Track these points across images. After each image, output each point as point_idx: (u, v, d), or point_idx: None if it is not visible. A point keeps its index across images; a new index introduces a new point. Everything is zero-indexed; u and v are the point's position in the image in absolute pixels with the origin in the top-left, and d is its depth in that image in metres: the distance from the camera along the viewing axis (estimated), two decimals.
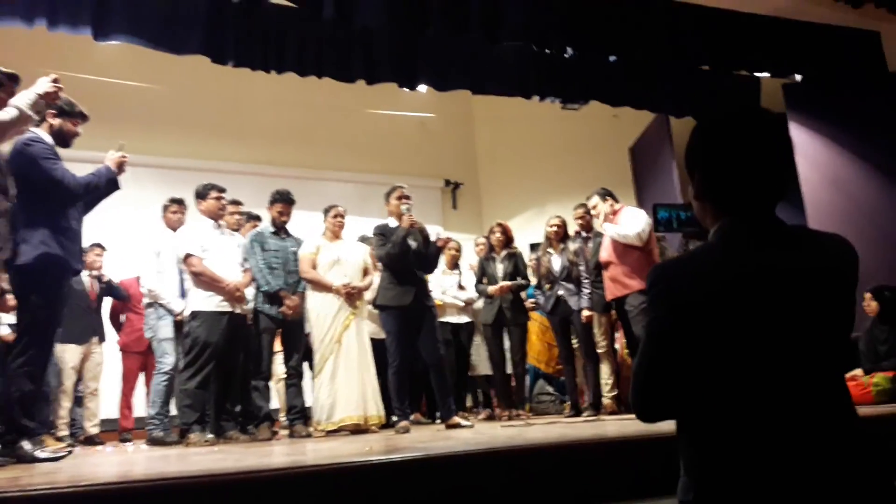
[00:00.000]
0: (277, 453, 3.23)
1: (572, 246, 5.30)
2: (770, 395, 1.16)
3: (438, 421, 5.32)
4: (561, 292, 5.24)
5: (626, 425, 3.27)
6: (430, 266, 4.74)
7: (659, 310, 1.24)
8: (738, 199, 1.27)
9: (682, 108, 6.84)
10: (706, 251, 1.29)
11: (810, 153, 6.85)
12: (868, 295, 5.06)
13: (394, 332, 4.44)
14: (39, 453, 3.05)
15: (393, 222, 4.62)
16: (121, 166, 3.62)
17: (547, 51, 6.02)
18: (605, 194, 5.06)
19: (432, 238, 4.72)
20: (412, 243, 4.53)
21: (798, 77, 6.62)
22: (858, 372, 4.68)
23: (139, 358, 5.91)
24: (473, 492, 2.10)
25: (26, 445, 3.04)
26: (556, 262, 5.32)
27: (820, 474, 1.11)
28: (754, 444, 1.14)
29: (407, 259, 4.48)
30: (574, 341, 5.38)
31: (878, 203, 6.57)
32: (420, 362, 4.78)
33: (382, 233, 4.59)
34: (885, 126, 6.59)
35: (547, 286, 5.37)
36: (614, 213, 4.95)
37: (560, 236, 5.38)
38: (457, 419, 4.34)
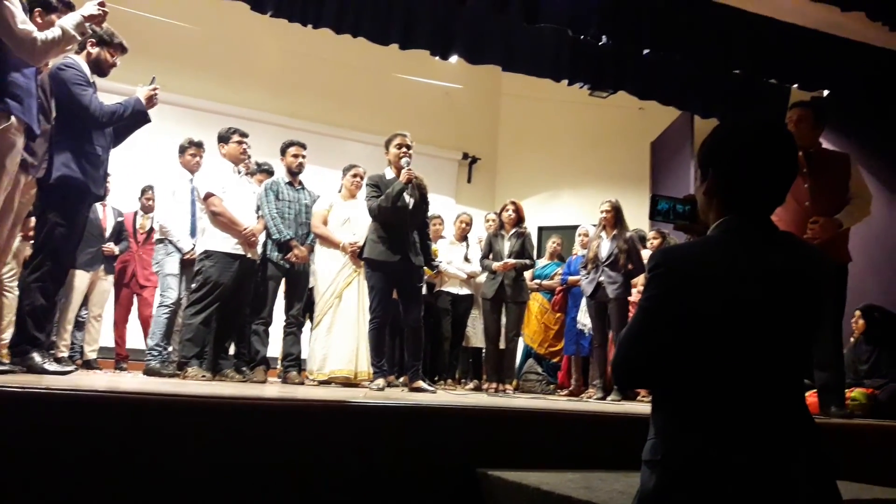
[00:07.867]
0: (268, 391, 3.33)
1: (626, 234, 5.22)
2: (739, 376, 1.29)
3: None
4: (602, 278, 5.19)
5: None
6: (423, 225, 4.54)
7: (656, 289, 1.35)
8: (744, 201, 1.39)
9: (709, 109, 6.87)
10: (706, 243, 1.40)
11: None
12: (858, 313, 4.98)
13: (377, 289, 4.27)
14: (48, 366, 3.16)
15: (390, 173, 4.40)
16: (151, 100, 3.67)
17: (582, 37, 6.03)
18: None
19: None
20: (408, 199, 4.28)
21: (826, 92, 6.61)
22: None
23: (127, 289, 6.17)
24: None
25: (36, 357, 3.12)
26: (605, 248, 5.24)
27: (770, 455, 1.25)
28: (719, 419, 1.27)
29: (401, 215, 4.27)
30: None
31: (887, 225, 6.57)
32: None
33: (376, 184, 4.35)
34: None
35: (592, 269, 5.26)
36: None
37: (611, 222, 5.26)
38: (421, 383, 4.26)
